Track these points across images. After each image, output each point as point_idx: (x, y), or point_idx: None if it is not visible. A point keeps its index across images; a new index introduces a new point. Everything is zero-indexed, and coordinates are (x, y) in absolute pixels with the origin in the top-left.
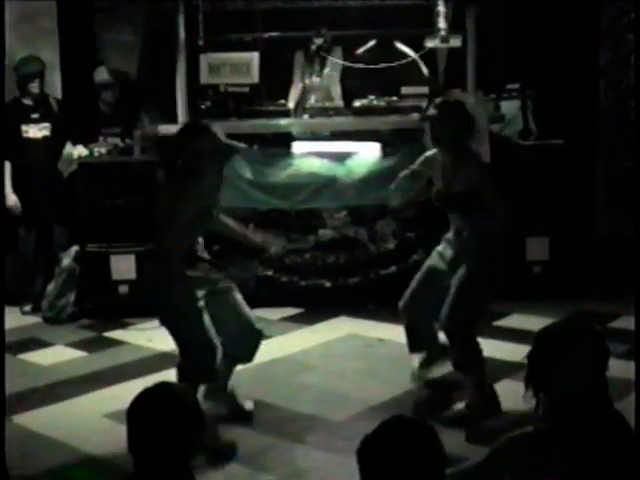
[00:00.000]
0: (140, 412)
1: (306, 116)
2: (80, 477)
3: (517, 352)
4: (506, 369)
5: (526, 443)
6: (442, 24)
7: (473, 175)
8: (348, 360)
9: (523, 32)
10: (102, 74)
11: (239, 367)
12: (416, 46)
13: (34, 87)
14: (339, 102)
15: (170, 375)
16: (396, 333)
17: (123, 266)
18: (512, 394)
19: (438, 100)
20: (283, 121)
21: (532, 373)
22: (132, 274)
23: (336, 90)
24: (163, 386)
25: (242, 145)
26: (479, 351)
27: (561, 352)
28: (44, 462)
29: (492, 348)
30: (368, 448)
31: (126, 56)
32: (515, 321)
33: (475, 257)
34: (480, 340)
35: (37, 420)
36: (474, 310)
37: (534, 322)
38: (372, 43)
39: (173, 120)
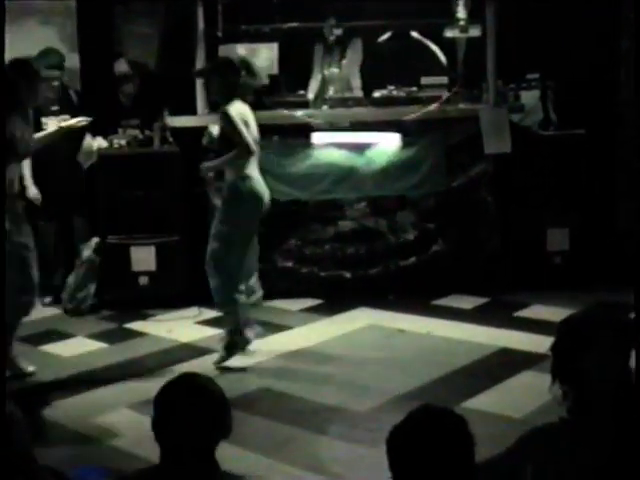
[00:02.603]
0: (167, 402)
1: (325, 107)
2: None
3: (537, 343)
4: (526, 360)
5: (550, 434)
6: (461, 14)
7: None
8: (368, 351)
9: (543, 21)
10: (121, 66)
11: (261, 358)
12: (435, 36)
13: (54, 79)
14: (359, 93)
15: (191, 366)
16: (416, 324)
17: (143, 257)
18: (532, 386)
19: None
20: (302, 112)
21: (557, 365)
22: (152, 265)
23: (355, 81)
24: (189, 377)
25: None
26: None
27: (586, 343)
28: (67, 453)
29: (512, 339)
30: (398, 438)
31: (145, 48)
32: (535, 312)
33: None
34: (500, 330)
35: (59, 412)
36: None
37: (554, 313)
38: (390, 34)
39: (192, 112)
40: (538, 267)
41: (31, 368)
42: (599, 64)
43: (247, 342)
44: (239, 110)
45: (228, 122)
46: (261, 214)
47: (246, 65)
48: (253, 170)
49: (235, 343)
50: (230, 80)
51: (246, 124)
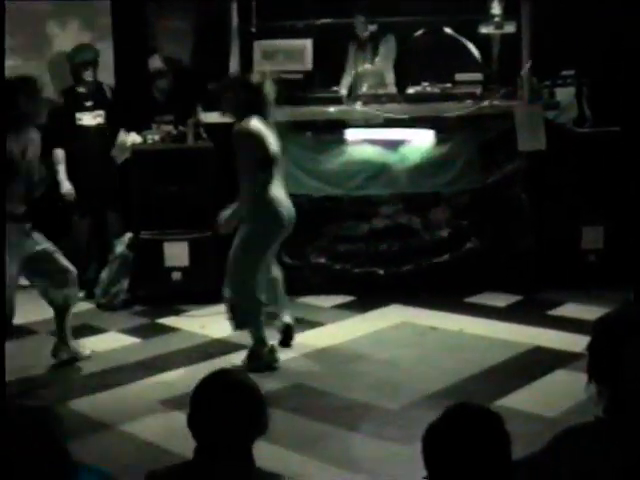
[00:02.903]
0: (205, 397)
1: (359, 103)
2: None
3: (571, 342)
4: (560, 359)
5: (585, 433)
6: (496, 10)
7: None
8: (401, 348)
9: (578, 17)
10: (156, 62)
11: (292, 354)
12: (469, 32)
13: (88, 75)
14: (392, 89)
15: (224, 361)
16: (448, 321)
17: (176, 253)
18: (566, 384)
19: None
20: (336, 108)
21: (593, 364)
22: (185, 261)
23: (389, 77)
24: (227, 372)
25: None
26: None
27: (622, 342)
28: (99, 447)
29: (546, 337)
30: (435, 436)
31: (179, 44)
32: (569, 310)
33: None
34: (533, 329)
35: (92, 406)
36: None
37: (589, 311)
38: (424, 30)
39: None
40: (572, 265)
41: (87, 352)
42: (634, 61)
43: (274, 360)
44: (257, 126)
45: (245, 137)
46: (284, 235)
47: (261, 82)
48: (277, 190)
49: (259, 354)
50: (244, 98)
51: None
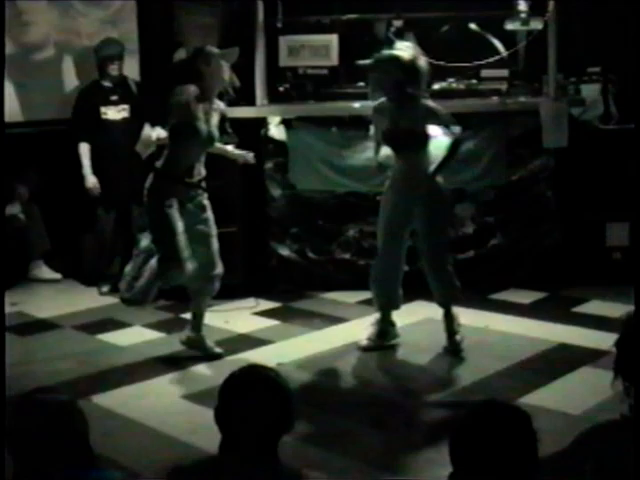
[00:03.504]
0: (234, 392)
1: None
2: None
3: (596, 339)
4: (585, 356)
5: (612, 431)
6: (523, 6)
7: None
8: (425, 344)
9: (605, 14)
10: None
11: (318, 349)
12: (495, 29)
13: (114, 69)
14: None
15: (248, 357)
16: (474, 317)
17: None
18: (591, 382)
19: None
20: (361, 103)
21: (621, 360)
22: None
23: None
24: (257, 368)
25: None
26: None
27: None
28: (123, 442)
29: (571, 334)
30: (462, 433)
31: (205, 38)
32: (594, 307)
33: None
34: (558, 326)
35: (116, 400)
36: None
37: (613, 309)
38: (449, 26)
39: (251, 102)
40: (597, 262)
41: (218, 349)
42: None
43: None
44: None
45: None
46: None
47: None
48: None
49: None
50: (400, 76)
51: None
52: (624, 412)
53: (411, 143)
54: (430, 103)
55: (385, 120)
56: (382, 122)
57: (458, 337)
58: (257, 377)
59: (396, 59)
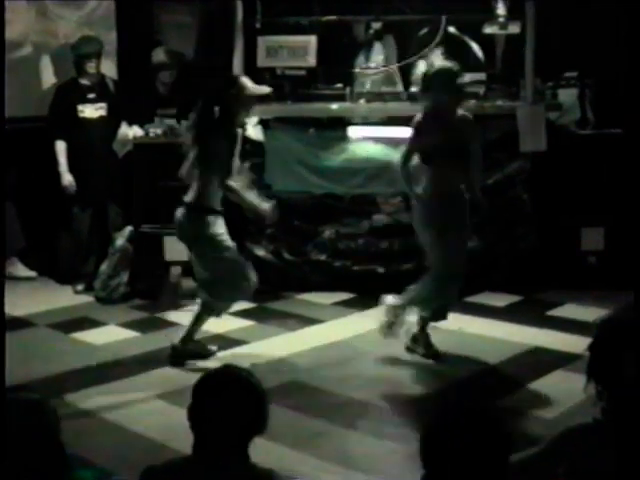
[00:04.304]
0: (208, 391)
1: (362, 101)
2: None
3: (570, 343)
4: (560, 359)
5: (584, 435)
6: (501, 10)
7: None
8: (400, 346)
9: (582, 19)
10: (159, 55)
11: (293, 350)
12: (473, 32)
13: (91, 67)
14: (400, 87)
15: (223, 357)
16: (448, 320)
17: (176, 247)
18: (565, 385)
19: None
20: (339, 105)
21: (594, 364)
22: (185, 255)
23: (396, 75)
24: (232, 368)
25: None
26: None
27: (625, 344)
28: (96, 441)
29: (545, 338)
30: (434, 434)
31: (183, 37)
32: (568, 311)
33: None
34: (533, 329)
35: (89, 399)
36: None
37: (588, 312)
38: (427, 29)
39: None
40: (572, 266)
41: (214, 347)
42: (637, 63)
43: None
44: None
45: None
46: None
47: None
48: None
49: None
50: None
51: None
52: (596, 416)
53: (460, 155)
54: (468, 116)
55: (430, 134)
56: (426, 136)
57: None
58: (230, 377)
59: (456, 74)
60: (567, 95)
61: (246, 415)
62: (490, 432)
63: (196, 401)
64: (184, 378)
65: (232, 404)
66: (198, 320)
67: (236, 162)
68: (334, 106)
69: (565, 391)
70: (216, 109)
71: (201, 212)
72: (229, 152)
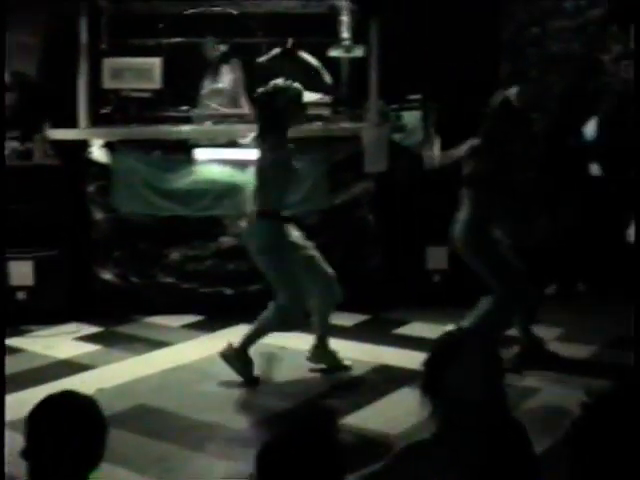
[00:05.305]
0: (42, 419)
1: (209, 123)
2: None
3: (416, 360)
4: (405, 377)
5: (422, 450)
6: (345, 34)
7: None
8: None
9: (425, 43)
10: None
11: (139, 374)
12: (320, 55)
13: None
14: (246, 110)
15: (69, 383)
16: (297, 341)
17: (21, 272)
18: (411, 402)
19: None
20: (186, 127)
21: (427, 380)
22: (30, 280)
23: (242, 97)
24: (68, 395)
25: None
26: None
27: (453, 359)
28: None
29: (392, 355)
30: (264, 457)
31: (27, 58)
32: (415, 329)
33: None
34: (380, 347)
35: None
36: None
37: (433, 330)
38: (276, 51)
39: (73, 124)
40: (418, 285)
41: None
42: (480, 86)
43: None
44: None
45: None
46: None
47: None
48: None
49: None
50: None
51: None
52: (435, 430)
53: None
54: None
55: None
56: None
57: None
58: (66, 404)
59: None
60: (411, 117)
61: (83, 443)
62: (322, 450)
63: (31, 428)
64: (28, 406)
65: (67, 432)
66: None
67: None
68: (180, 128)
69: (410, 408)
70: None
71: None
72: None
